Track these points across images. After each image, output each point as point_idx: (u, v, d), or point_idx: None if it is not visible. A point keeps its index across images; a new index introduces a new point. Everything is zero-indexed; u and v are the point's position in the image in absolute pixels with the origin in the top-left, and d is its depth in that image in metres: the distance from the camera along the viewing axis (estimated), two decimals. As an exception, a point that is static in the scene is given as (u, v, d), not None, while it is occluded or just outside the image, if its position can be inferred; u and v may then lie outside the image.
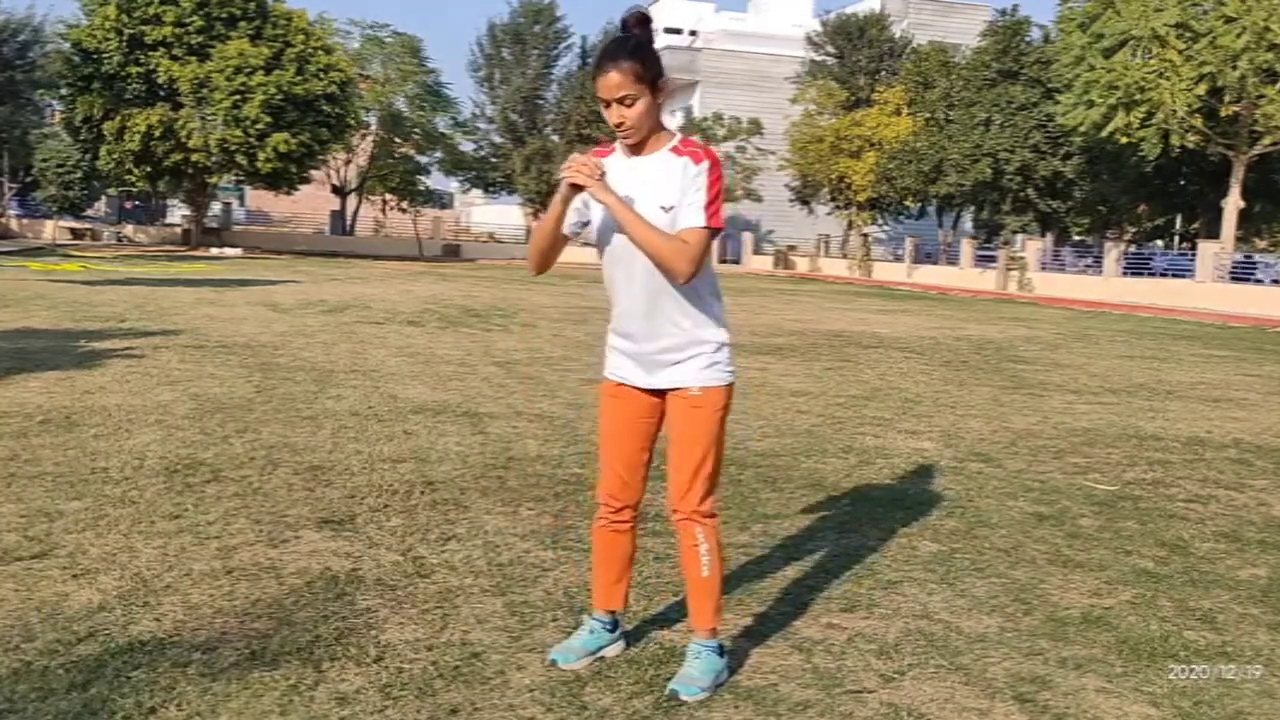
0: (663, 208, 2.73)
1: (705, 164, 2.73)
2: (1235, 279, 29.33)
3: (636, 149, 2.80)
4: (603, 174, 2.71)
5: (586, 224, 2.88)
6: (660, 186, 2.74)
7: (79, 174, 45.00)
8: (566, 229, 2.85)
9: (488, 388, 8.22)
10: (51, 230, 45.69)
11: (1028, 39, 37.90)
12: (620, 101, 2.71)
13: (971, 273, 37.54)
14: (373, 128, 49.45)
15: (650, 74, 2.72)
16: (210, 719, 2.63)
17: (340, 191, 50.69)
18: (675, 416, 2.92)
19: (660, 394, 2.94)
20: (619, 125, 2.74)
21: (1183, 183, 33.78)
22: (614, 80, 2.69)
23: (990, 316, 20.90)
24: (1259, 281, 30.34)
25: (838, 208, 46.65)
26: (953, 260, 41.27)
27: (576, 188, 2.73)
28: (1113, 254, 33.32)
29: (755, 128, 47.19)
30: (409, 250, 47.15)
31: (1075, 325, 19.30)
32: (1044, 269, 35.31)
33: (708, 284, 2.88)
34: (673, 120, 55.72)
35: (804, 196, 48.01)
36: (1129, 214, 38.64)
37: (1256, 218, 34.82)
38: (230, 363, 8.95)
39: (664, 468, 3.04)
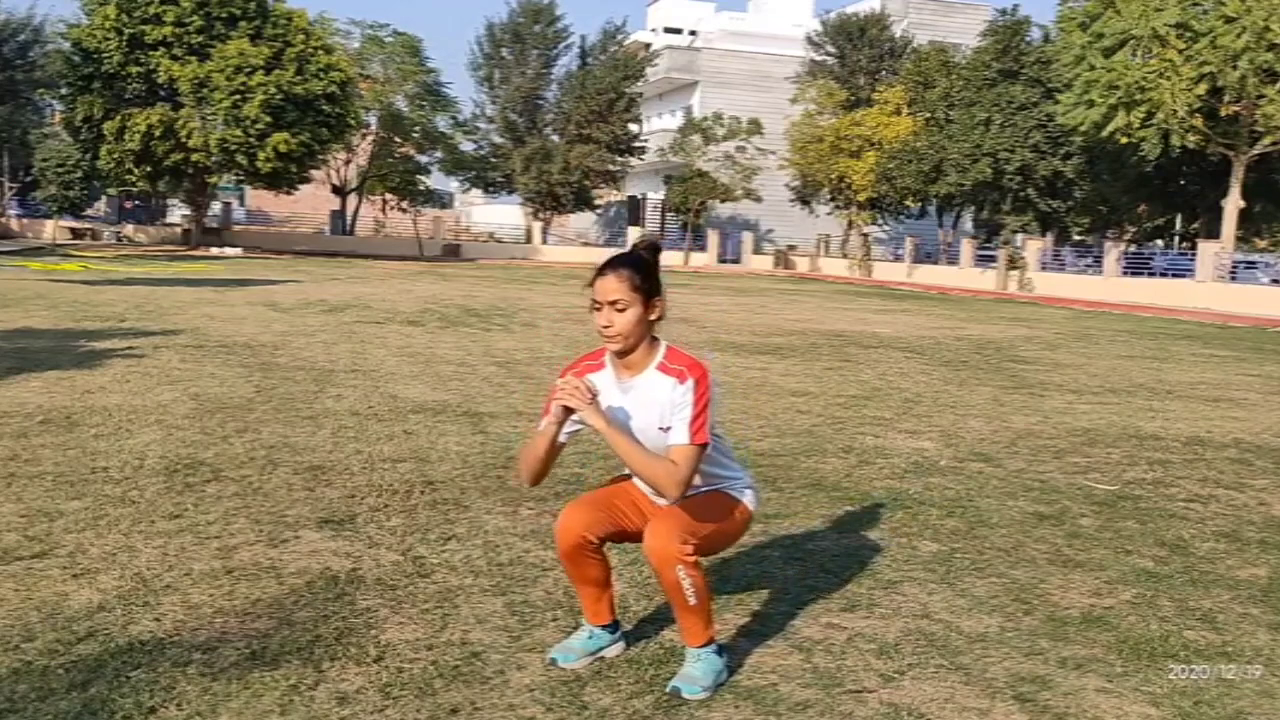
0: (661, 429, 2.82)
1: (690, 381, 2.80)
2: (1235, 279, 29.33)
3: (623, 357, 2.85)
4: (594, 397, 2.76)
5: (581, 429, 2.94)
6: (655, 408, 2.83)
7: (79, 174, 44.95)
8: (562, 438, 2.90)
9: (488, 387, 8.22)
10: (51, 230, 45.67)
11: (1028, 39, 37.90)
12: (612, 305, 2.78)
13: (971, 272, 37.54)
14: (373, 127, 49.43)
15: (646, 287, 2.81)
16: (210, 719, 2.63)
17: (340, 191, 50.68)
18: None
19: None
20: (606, 328, 2.80)
21: (1183, 183, 33.79)
22: (610, 284, 2.79)
23: (990, 316, 20.90)
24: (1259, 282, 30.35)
25: (838, 207, 46.66)
26: (953, 260, 41.27)
27: (569, 409, 2.78)
28: (1113, 254, 33.32)
29: (755, 128, 47.19)
30: (409, 250, 47.14)
31: (1075, 325, 19.30)
32: (1044, 269, 35.31)
33: (718, 451, 2.96)
34: (673, 120, 55.96)
35: (804, 196, 48.02)
36: (1129, 214, 38.65)
37: (1256, 218, 34.82)
38: (230, 362, 8.95)
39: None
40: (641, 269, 2.83)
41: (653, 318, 2.84)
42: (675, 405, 2.79)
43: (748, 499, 3.04)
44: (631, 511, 3.01)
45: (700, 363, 2.84)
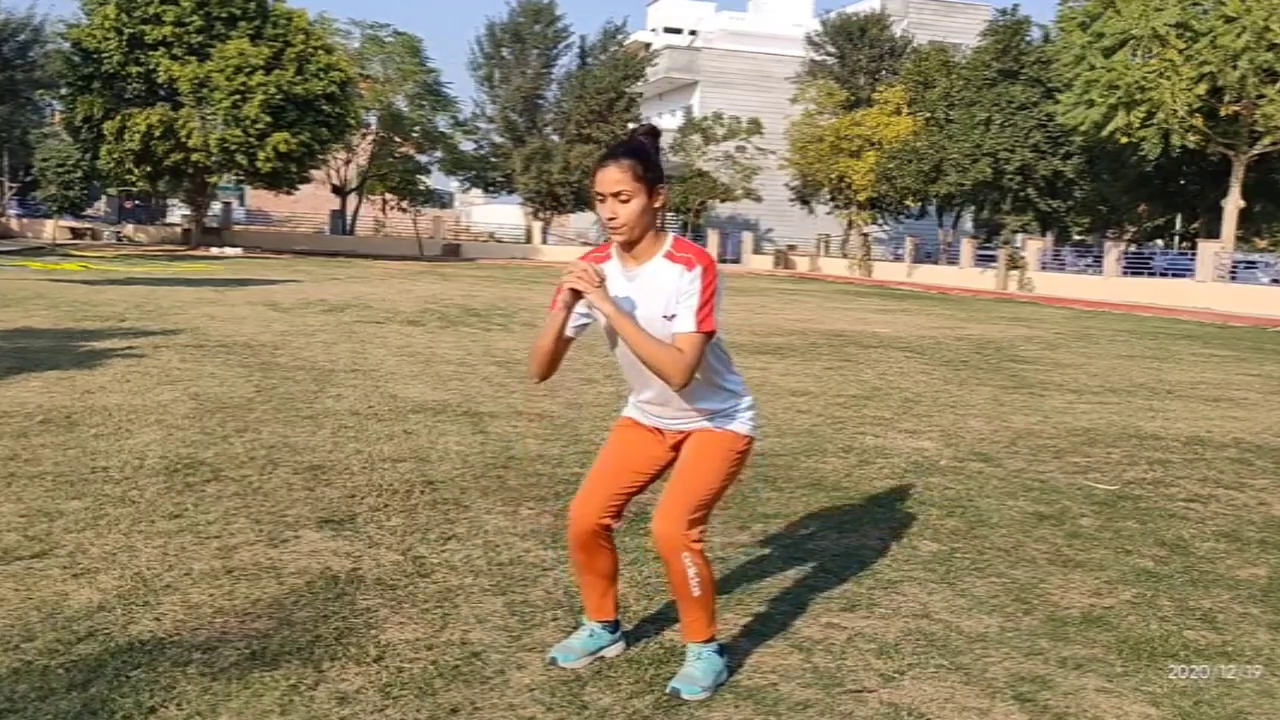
0: (665, 317, 2.75)
1: (698, 269, 2.74)
2: (1235, 279, 29.33)
3: (629, 249, 2.81)
4: (602, 280, 2.72)
5: (588, 324, 2.91)
6: (660, 296, 2.77)
7: (79, 174, 44.95)
8: (569, 331, 2.86)
9: (488, 387, 8.22)
10: (51, 230, 45.67)
11: (1028, 39, 37.90)
12: (615, 196, 2.73)
13: (971, 272, 37.54)
14: (373, 127, 49.43)
15: (649, 175, 2.75)
16: (210, 719, 2.63)
17: (340, 191, 50.68)
18: (688, 448, 2.92)
19: (677, 443, 2.96)
20: (611, 219, 2.75)
21: (1183, 182, 33.78)
22: (612, 175, 2.73)
23: (990, 316, 20.90)
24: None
25: (838, 207, 46.66)
26: (953, 260, 41.27)
27: (577, 294, 2.74)
28: (1113, 254, 33.32)
29: (755, 127, 47.20)
30: (409, 250, 47.14)
31: (1075, 325, 19.30)
32: (1044, 268, 35.30)
33: (719, 361, 2.91)
34: (673, 120, 55.94)
35: (804, 196, 48.03)
36: (1129, 214, 38.65)
37: (1256, 217, 34.81)
38: (230, 362, 8.95)
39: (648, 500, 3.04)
40: (643, 157, 2.75)
41: (657, 206, 2.78)
42: (682, 293, 2.72)
43: (747, 424, 2.94)
44: (639, 460, 2.97)
45: (707, 253, 2.79)
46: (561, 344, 2.86)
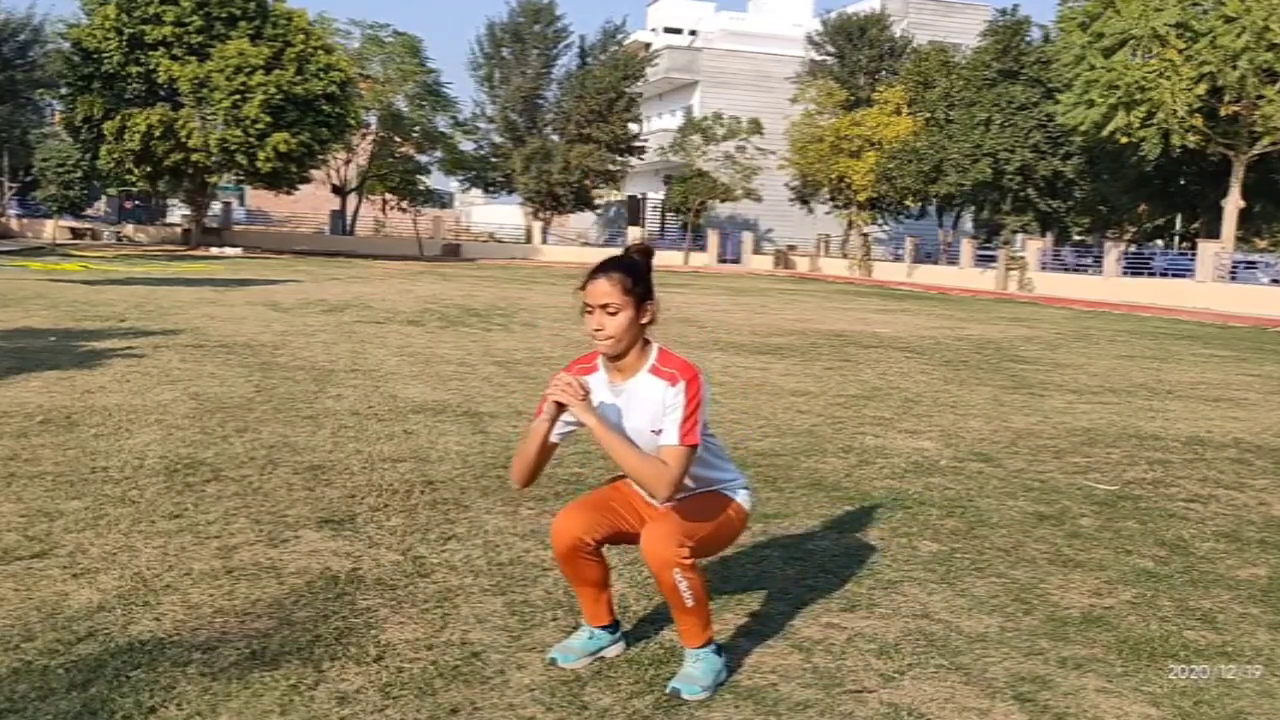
0: (654, 432, 2.82)
1: (681, 384, 2.79)
2: (1235, 279, 29.32)
3: (615, 360, 2.86)
4: (586, 394, 2.77)
5: (572, 432, 2.95)
6: (647, 411, 2.83)
7: (79, 174, 44.94)
8: (554, 438, 2.91)
9: (488, 387, 8.22)
10: (51, 230, 45.67)
11: (1028, 39, 37.89)
12: (603, 308, 2.79)
13: (971, 272, 37.54)
14: (373, 127, 49.43)
15: (638, 290, 2.81)
16: (210, 719, 2.63)
17: (340, 191, 50.67)
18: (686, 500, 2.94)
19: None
20: (598, 330, 2.80)
21: (1183, 183, 33.77)
22: (602, 288, 2.80)
23: (990, 316, 20.90)
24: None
25: (838, 207, 46.65)
26: (953, 260, 41.26)
27: (561, 406, 2.79)
28: (1113, 254, 33.31)
29: (755, 127, 47.18)
30: (409, 250, 47.14)
31: (1075, 325, 19.30)
32: (1044, 269, 35.30)
33: (710, 453, 2.96)
34: (673, 120, 55.92)
35: (804, 196, 48.02)
36: (1129, 214, 38.63)
37: (1256, 218, 34.80)
38: (230, 362, 8.95)
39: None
40: (633, 272, 2.83)
41: (644, 321, 2.84)
42: (667, 407, 2.79)
43: (742, 499, 3.03)
44: (628, 513, 3.01)
45: (692, 366, 2.84)
46: (546, 451, 2.91)
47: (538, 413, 2.86)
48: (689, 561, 2.81)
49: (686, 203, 48.85)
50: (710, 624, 2.95)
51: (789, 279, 39.09)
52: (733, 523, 3.00)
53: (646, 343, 2.89)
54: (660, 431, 2.79)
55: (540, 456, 2.91)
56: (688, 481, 2.89)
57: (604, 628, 3.09)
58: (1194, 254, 30.85)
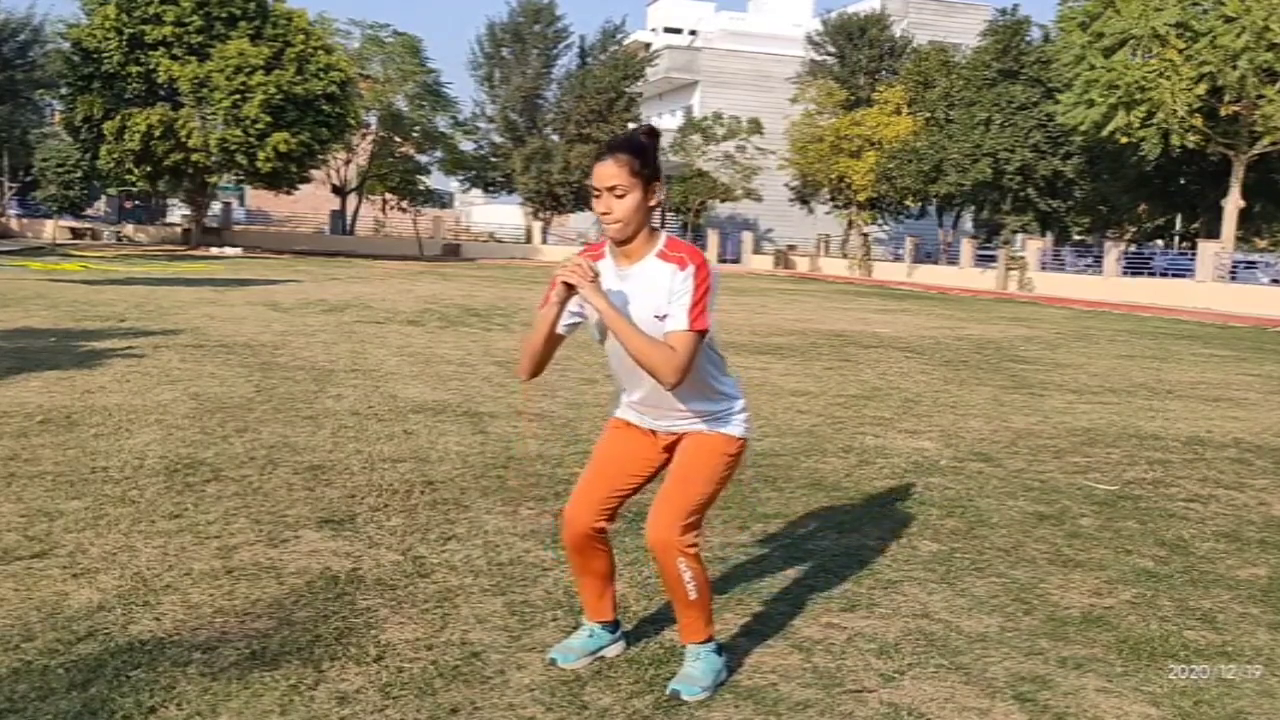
0: (657, 316, 2.74)
1: (691, 268, 2.73)
2: (1235, 279, 29.32)
3: (622, 246, 2.80)
4: (596, 276, 2.71)
5: (579, 323, 2.89)
6: (652, 295, 2.75)
7: (79, 174, 44.97)
8: (560, 328, 2.85)
9: (488, 387, 8.22)
10: (51, 230, 45.66)
11: (1028, 39, 37.88)
12: (611, 190, 2.72)
13: (971, 272, 37.53)
14: (373, 127, 49.43)
15: (646, 172, 2.74)
16: (210, 719, 2.63)
17: (340, 191, 50.67)
18: (681, 451, 2.91)
19: (670, 444, 2.94)
20: (605, 214, 2.75)
21: (1183, 182, 33.77)
22: (608, 169, 2.72)
23: (990, 316, 20.90)
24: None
25: (838, 207, 46.65)
26: (953, 260, 41.26)
27: (570, 288, 2.73)
28: (1113, 254, 33.31)
29: (755, 127, 47.19)
30: (409, 250, 47.14)
31: (1075, 325, 19.30)
32: (1044, 269, 35.30)
33: (711, 364, 2.89)
34: (673, 120, 55.93)
35: (804, 196, 48.01)
36: (1129, 214, 38.64)
37: (1256, 217, 34.80)
38: (230, 362, 8.95)
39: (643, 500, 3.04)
40: (641, 153, 2.75)
41: (652, 204, 2.77)
42: (674, 292, 2.71)
43: (740, 427, 2.92)
44: (632, 463, 2.96)
45: (700, 252, 2.78)
46: (553, 342, 2.84)
47: (544, 300, 2.78)
48: (693, 550, 2.81)
49: (686, 203, 48.84)
50: (712, 621, 2.95)
51: (789, 279, 39.09)
52: (731, 464, 2.92)
53: (654, 229, 2.82)
54: (665, 317, 2.71)
55: (548, 346, 2.84)
56: (692, 405, 2.83)
57: (604, 625, 3.09)
58: (1194, 254, 30.85)
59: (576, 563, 3.03)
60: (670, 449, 2.94)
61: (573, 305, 2.80)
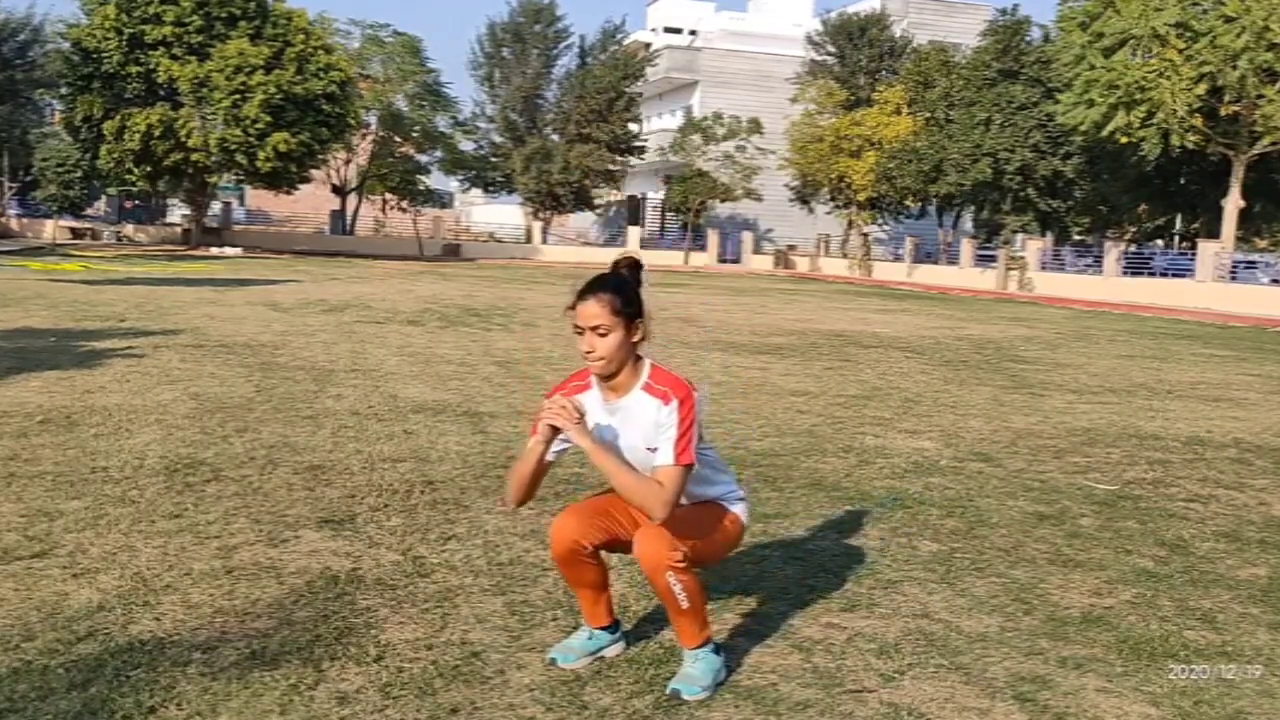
0: (649, 449, 2.82)
1: (674, 403, 2.80)
2: (1235, 279, 29.32)
3: (607, 380, 2.86)
4: (581, 416, 2.78)
5: (567, 449, 2.96)
6: (641, 429, 2.84)
7: (79, 173, 44.95)
8: (549, 457, 2.92)
9: (488, 387, 8.22)
10: (51, 230, 45.67)
11: (1028, 39, 37.89)
12: (594, 330, 2.79)
13: (972, 272, 37.54)
14: (373, 127, 49.43)
15: (627, 310, 2.81)
16: (210, 718, 2.63)
17: (340, 191, 50.68)
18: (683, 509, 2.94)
19: None
20: (589, 353, 2.81)
21: (1183, 182, 33.77)
22: (591, 310, 2.80)
23: (990, 316, 20.89)
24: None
25: (838, 207, 46.65)
26: (953, 260, 41.26)
27: (556, 429, 2.79)
28: (1113, 254, 33.31)
29: (755, 127, 47.18)
30: (409, 250, 47.14)
31: (1075, 325, 19.30)
32: (1044, 268, 35.31)
33: (709, 468, 2.97)
34: (673, 119, 55.92)
35: (804, 196, 48.01)
36: (1129, 214, 38.63)
37: (1256, 217, 34.80)
38: (230, 362, 8.95)
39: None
40: (622, 291, 2.83)
41: (635, 340, 2.85)
42: (660, 426, 2.80)
43: (739, 510, 3.04)
44: (626, 520, 3.00)
45: (684, 383, 2.85)
46: (541, 471, 2.92)
47: (532, 433, 2.87)
48: (682, 564, 2.81)
49: (686, 203, 48.84)
50: (707, 625, 2.95)
51: (789, 279, 39.08)
52: (729, 533, 3.01)
53: (639, 359, 2.89)
54: (656, 450, 2.80)
55: (535, 477, 2.92)
56: (684, 500, 2.90)
57: (604, 628, 3.09)
58: (1194, 254, 30.85)
59: (567, 575, 3.04)
60: None
61: (562, 436, 2.87)
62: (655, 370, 2.89)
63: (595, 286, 2.84)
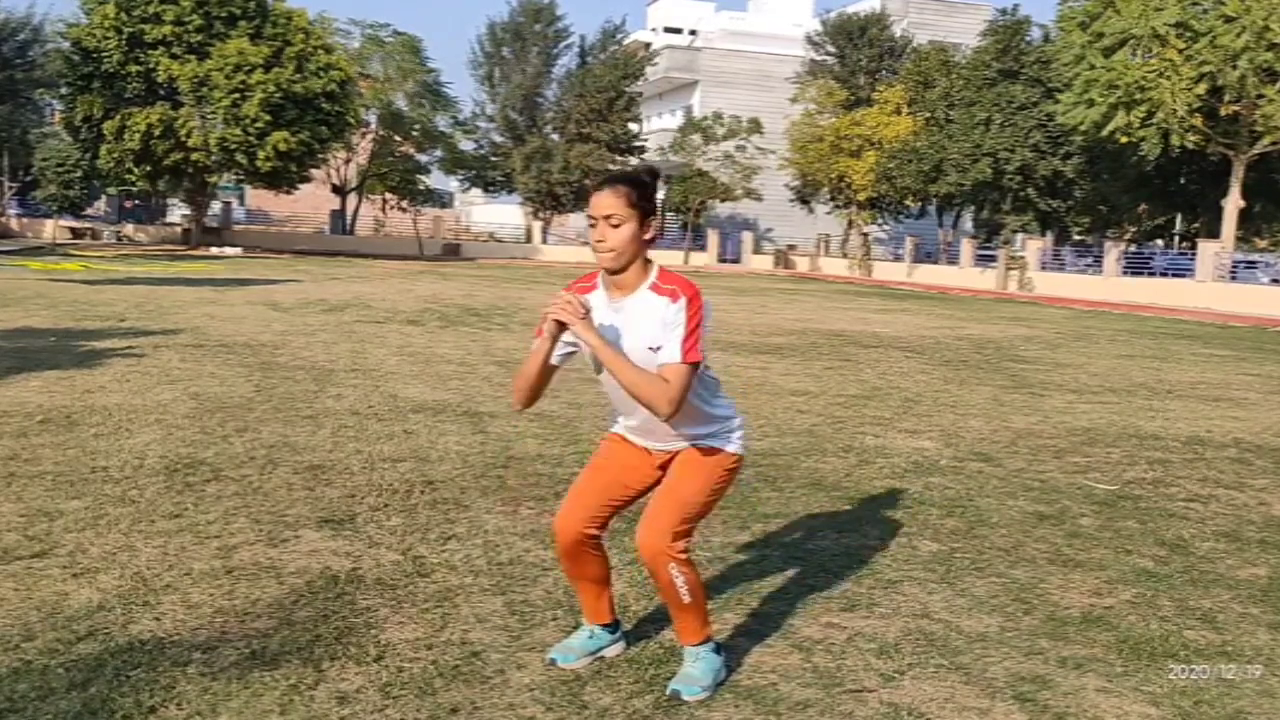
0: (650, 348, 2.77)
1: (683, 300, 2.75)
2: (1235, 279, 29.32)
3: (616, 276, 2.82)
4: (587, 312, 2.74)
5: (572, 353, 2.92)
6: (645, 328, 2.78)
7: (79, 173, 44.94)
8: (554, 360, 2.88)
9: (488, 387, 8.22)
10: (51, 230, 45.67)
11: (1028, 38, 37.89)
12: (607, 219, 2.76)
13: (972, 272, 37.53)
14: (373, 127, 49.43)
15: (643, 205, 2.78)
16: (210, 718, 2.63)
17: (340, 191, 50.67)
18: (675, 464, 2.93)
19: (665, 462, 2.96)
20: (600, 243, 2.78)
21: (1183, 182, 33.77)
22: (606, 199, 2.77)
23: (990, 316, 20.90)
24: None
25: (838, 207, 46.65)
26: (953, 260, 41.26)
27: (562, 325, 2.76)
28: (1113, 253, 33.31)
29: (755, 127, 47.18)
30: (409, 249, 47.14)
31: (1075, 325, 19.30)
32: (1044, 268, 35.31)
33: (705, 389, 2.91)
34: (673, 119, 55.93)
35: (804, 196, 48.02)
36: (1129, 213, 38.64)
37: (1256, 217, 34.80)
38: (230, 362, 8.95)
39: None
40: (639, 186, 2.80)
41: (647, 237, 2.80)
42: (667, 324, 2.74)
43: (736, 445, 2.95)
44: (627, 475, 2.98)
45: (693, 284, 2.81)
46: (546, 373, 2.88)
47: (538, 333, 2.82)
48: (684, 555, 2.82)
49: (686, 202, 48.84)
50: (708, 621, 2.95)
51: (789, 279, 39.09)
52: (725, 480, 2.94)
53: (648, 261, 2.85)
54: (659, 349, 2.74)
55: (541, 378, 2.87)
56: (686, 430, 2.86)
57: (604, 627, 3.09)
58: (1194, 254, 30.85)
59: (570, 569, 3.03)
60: (664, 466, 2.97)
61: (566, 337, 2.82)
62: (663, 271, 2.85)
63: (613, 179, 2.81)
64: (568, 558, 2.99)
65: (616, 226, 2.75)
